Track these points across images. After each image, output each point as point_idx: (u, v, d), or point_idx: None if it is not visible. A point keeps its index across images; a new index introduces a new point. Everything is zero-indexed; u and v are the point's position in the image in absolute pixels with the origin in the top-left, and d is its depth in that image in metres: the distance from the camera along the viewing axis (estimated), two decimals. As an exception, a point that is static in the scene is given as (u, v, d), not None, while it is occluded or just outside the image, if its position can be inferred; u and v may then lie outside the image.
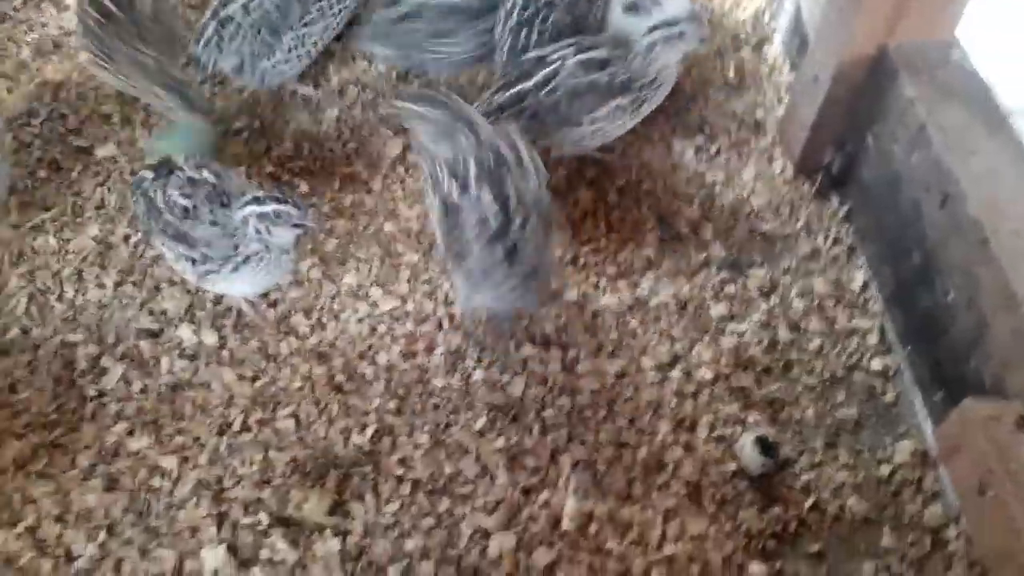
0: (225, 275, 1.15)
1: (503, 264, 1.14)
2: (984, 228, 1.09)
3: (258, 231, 1.11)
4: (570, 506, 1.12)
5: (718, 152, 1.55)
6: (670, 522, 1.11)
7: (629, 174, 1.51)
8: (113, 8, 1.33)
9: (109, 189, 1.44)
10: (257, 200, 1.10)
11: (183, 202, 1.15)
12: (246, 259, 1.13)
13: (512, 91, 1.37)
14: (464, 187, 1.16)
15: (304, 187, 1.46)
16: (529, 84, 1.36)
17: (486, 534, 1.10)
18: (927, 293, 1.22)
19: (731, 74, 1.67)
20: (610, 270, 1.38)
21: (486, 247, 1.13)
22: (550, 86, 1.35)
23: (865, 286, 1.36)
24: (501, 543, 1.09)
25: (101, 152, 1.50)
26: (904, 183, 1.28)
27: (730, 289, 1.36)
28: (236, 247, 1.13)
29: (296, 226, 1.11)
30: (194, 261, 1.15)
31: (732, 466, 1.16)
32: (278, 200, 1.10)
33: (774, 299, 1.35)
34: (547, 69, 1.36)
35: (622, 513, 1.12)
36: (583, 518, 1.11)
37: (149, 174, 1.22)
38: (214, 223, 1.13)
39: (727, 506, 1.13)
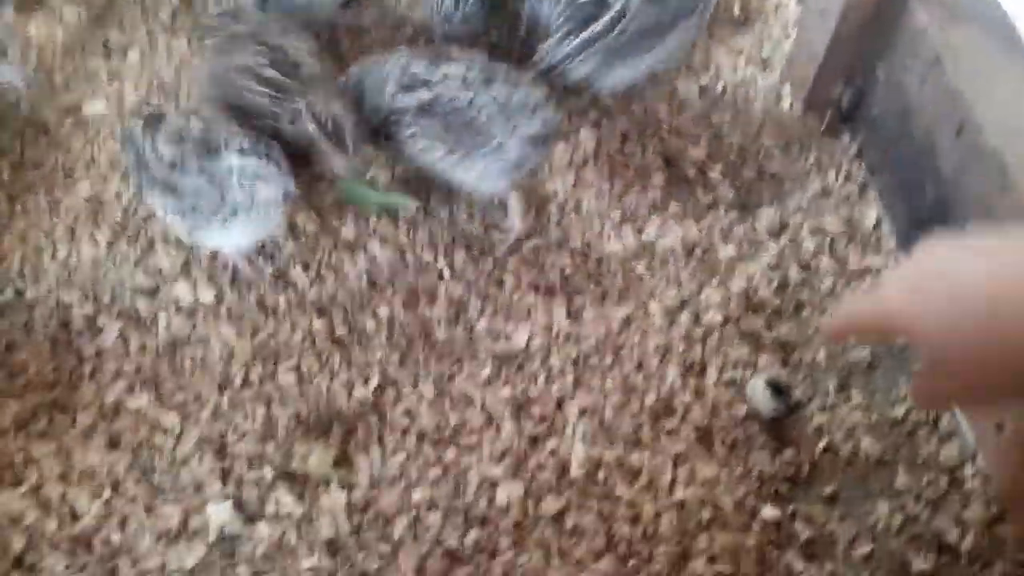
0: (216, 228, 1.12)
1: (529, 87, 1.22)
2: (1003, 156, 1.05)
3: (241, 184, 1.08)
4: (578, 453, 1.10)
5: (724, 91, 1.51)
6: (680, 467, 1.09)
7: (632, 116, 1.46)
8: (285, 79, 1.23)
9: (99, 146, 1.41)
10: (242, 152, 1.07)
11: (170, 152, 1.12)
12: (234, 211, 1.10)
13: (581, 38, 1.32)
14: (424, 81, 1.19)
15: (298, 138, 1.42)
16: (598, 28, 1.31)
17: (493, 483, 1.08)
18: (942, 228, 1.19)
19: (736, 10, 1.61)
20: (615, 215, 1.35)
21: (489, 91, 1.19)
22: (618, 28, 1.31)
23: (878, 223, 1.32)
24: (509, 492, 1.07)
25: (89, 109, 1.46)
26: (916, 115, 1.24)
27: (739, 230, 1.32)
28: (223, 197, 1.09)
29: (279, 187, 1.09)
30: (183, 214, 1.12)
31: (743, 410, 1.14)
32: (261, 157, 1.07)
33: (784, 239, 1.31)
34: (613, 12, 1.31)
35: (631, 459, 1.10)
36: (591, 465, 1.09)
37: (138, 125, 1.19)
38: (201, 173, 1.10)
39: (738, 450, 1.11)
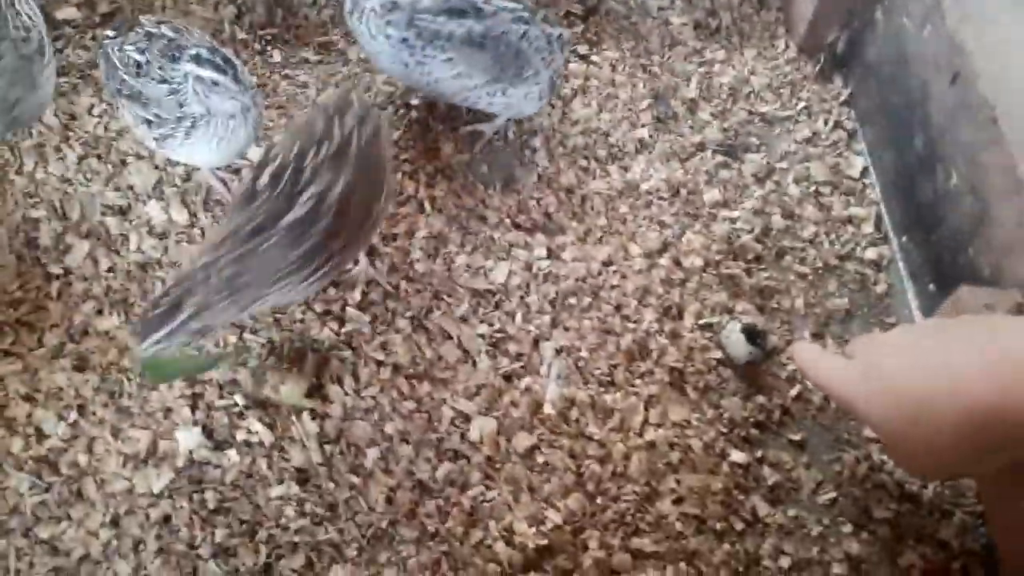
0: (181, 140, 1.08)
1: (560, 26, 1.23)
2: (994, 107, 1.03)
3: (196, 92, 1.04)
4: (552, 392, 1.10)
5: (719, 28, 1.47)
6: (652, 409, 1.10)
7: (622, 49, 1.42)
8: None
9: (70, 55, 1.35)
10: (198, 59, 1.02)
11: (136, 57, 1.07)
12: (194, 123, 1.06)
13: None
14: (476, 10, 1.15)
15: (277, 56, 1.37)
16: None
17: (467, 418, 1.08)
18: (928, 180, 1.18)
19: (736, -56, 1.56)
20: (600, 153, 1.32)
21: (536, 26, 1.18)
22: None
23: (864, 172, 1.31)
24: (482, 427, 1.07)
25: (60, 15, 1.39)
26: (912, 61, 1.21)
27: (724, 174, 1.30)
28: (182, 106, 1.06)
29: (235, 100, 1.05)
30: (150, 123, 1.08)
31: (717, 354, 1.14)
32: (218, 68, 1.02)
33: (769, 185, 1.30)
34: None
35: (604, 399, 1.10)
36: (565, 404, 1.10)
37: (111, 32, 1.14)
38: (164, 80, 1.06)
39: (710, 394, 1.12)
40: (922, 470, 0.84)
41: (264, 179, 0.98)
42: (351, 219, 1.00)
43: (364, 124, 1.05)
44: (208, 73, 1.03)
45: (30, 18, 1.09)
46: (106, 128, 1.27)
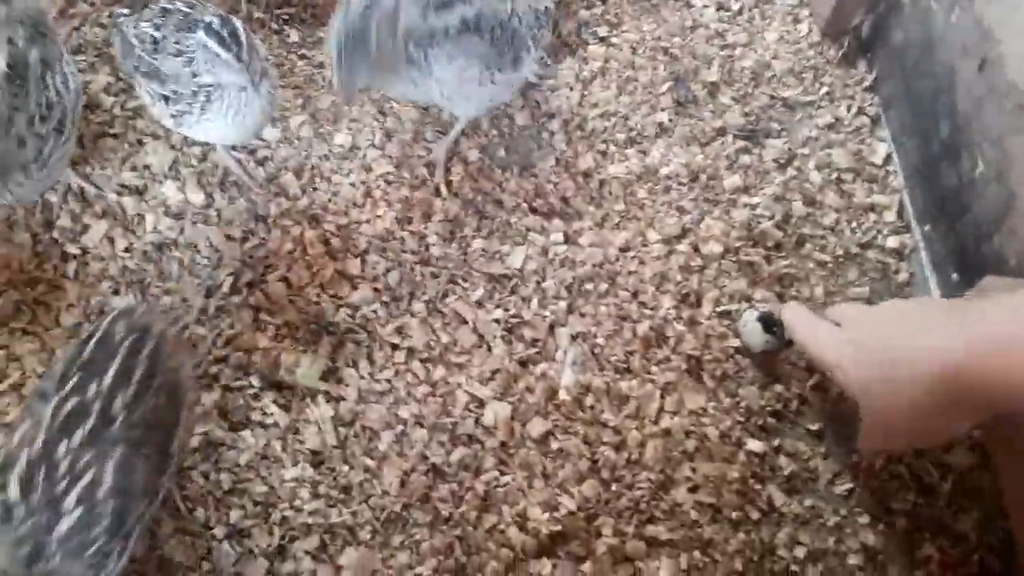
0: (197, 116, 1.07)
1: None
2: (1023, 92, 1.01)
3: (203, 62, 1.03)
4: (567, 378, 1.09)
5: (741, 11, 1.44)
6: (668, 396, 1.09)
7: (642, 31, 1.40)
8: None
9: (86, 34, 1.34)
10: (209, 29, 1.00)
11: (153, 33, 1.07)
12: (208, 96, 1.05)
13: None
14: None
15: (295, 36, 1.36)
16: None
17: (481, 403, 1.08)
18: (953, 167, 1.15)
19: (760, -75, 1.53)
20: (620, 136, 1.31)
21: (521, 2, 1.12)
22: None
23: (887, 159, 1.29)
24: (496, 412, 1.07)
25: (76, -6, 1.39)
26: (939, 46, 1.19)
27: (745, 159, 1.29)
28: (195, 76, 1.04)
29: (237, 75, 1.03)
30: (167, 100, 1.08)
31: (735, 342, 1.13)
32: (223, 43, 1.00)
33: (791, 171, 1.28)
34: None
35: (620, 386, 1.09)
36: (580, 390, 1.09)
37: (125, 11, 1.14)
38: (179, 53, 1.05)
39: (727, 382, 1.11)
40: (894, 438, 0.90)
41: (13, 490, 0.77)
42: (136, 493, 0.83)
43: (141, 360, 0.86)
44: (212, 45, 1.01)
45: (58, 94, 1.05)
46: (123, 107, 1.27)
